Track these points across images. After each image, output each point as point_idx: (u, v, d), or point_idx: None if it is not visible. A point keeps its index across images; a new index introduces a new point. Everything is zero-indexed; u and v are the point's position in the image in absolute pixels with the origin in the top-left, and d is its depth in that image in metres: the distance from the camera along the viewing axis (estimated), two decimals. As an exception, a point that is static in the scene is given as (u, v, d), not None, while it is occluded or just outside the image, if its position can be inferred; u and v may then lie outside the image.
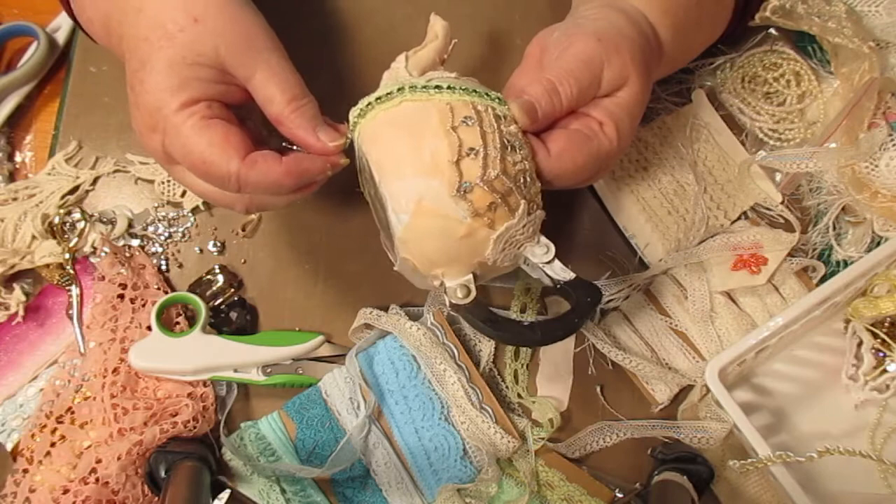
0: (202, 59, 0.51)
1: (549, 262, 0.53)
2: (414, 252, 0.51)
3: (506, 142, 0.50)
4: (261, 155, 0.51)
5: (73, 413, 0.64)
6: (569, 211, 0.69)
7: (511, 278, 0.67)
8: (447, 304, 0.53)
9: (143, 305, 0.66)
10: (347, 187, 0.71)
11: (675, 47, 0.61)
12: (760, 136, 0.69)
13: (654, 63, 0.59)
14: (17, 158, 0.73)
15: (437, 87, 0.51)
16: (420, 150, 0.49)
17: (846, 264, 0.65)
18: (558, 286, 0.54)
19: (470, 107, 0.50)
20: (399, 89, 0.51)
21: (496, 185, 0.49)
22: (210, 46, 0.51)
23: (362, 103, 0.52)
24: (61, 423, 0.64)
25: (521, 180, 0.50)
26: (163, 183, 0.70)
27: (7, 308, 0.67)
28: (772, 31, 0.71)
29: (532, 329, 0.53)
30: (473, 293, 0.52)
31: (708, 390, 0.61)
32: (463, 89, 0.51)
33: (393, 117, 0.51)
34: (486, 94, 0.52)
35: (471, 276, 0.52)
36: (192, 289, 0.68)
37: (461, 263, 0.51)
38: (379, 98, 0.52)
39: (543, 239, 0.53)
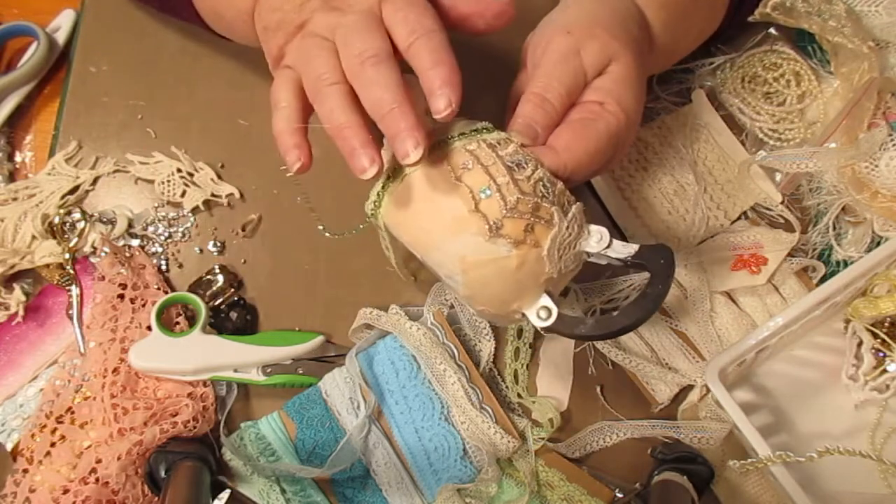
0: None
1: (607, 247, 0.52)
2: (483, 301, 0.51)
3: (509, 164, 0.50)
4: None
5: (73, 413, 0.64)
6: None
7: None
8: (537, 328, 0.52)
9: (143, 305, 0.66)
10: (348, 187, 0.71)
11: (665, 37, 0.60)
12: (760, 136, 0.69)
13: (643, 40, 0.58)
14: (17, 158, 0.73)
15: (437, 142, 0.51)
16: (439, 214, 0.49)
17: (846, 264, 0.65)
18: (628, 263, 0.53)
19: (462, 152, 0.50)
20: (398, 175, 0.51)
21: (521, 209, 0.49)
22: None
23: (372, 195, 0.53)
24: (61, 423, 0.64)
25: (541, 190, 0.50)
26: (163, 183, 0.70)
27: (7, 308, 0.67)
28: (772, 30, 0.71)
29: (624, 315, 0.52)
30: (555, 312, 0.51)
31: (708, 390, 0.61)
32: (451, 138, 0.51)
33: (402, 196, 0.51)
34: (474, 131, 0.52)
35: (545, 296, 0.51)
36: (192, 289, 0.68)
37: (530, 291, 0.51)
38: (384, 185, 0.52)
39: (593, 227, 0.52)
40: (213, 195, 0.70)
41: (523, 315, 0.52)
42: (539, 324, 0.51)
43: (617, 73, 0.55)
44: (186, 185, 0.70)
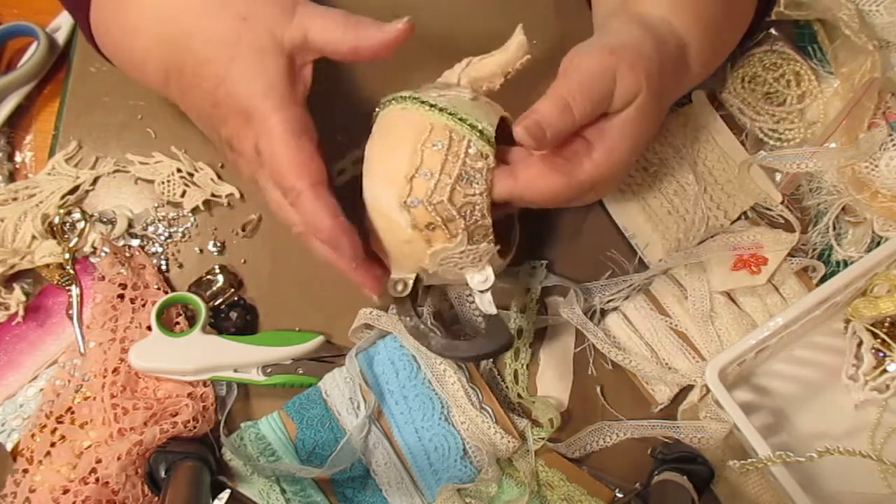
0: (270, 51, 0.53)
1: (481, 292, 0.57)
2: (373, 241, 0.57)
3: (464, 174, 0.53)
4: (327, 196, 0.53)
5: (73, 413, 0.64)
6: (569, 211, 0.69)
7: (511, 279, 0.68)
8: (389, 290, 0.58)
9: (143, 305, 0.66)
10: (347, 186, 0.71)
11: (707, 53, 0.60)
12: (760, 136, 0.69)
13: (672, 84, 0.58)
14: (17, 158, 0.73)
15: (431, 105, 0.54)
16: (389, 158, 0.54)
17: (846, 264, 0.65)
18: (479, 315, 0.60)
19: (446, 132, 0.53)
20: (405, 97, 0.55)
21: (438, 209, 0.53)
22: (268, 36, 0.53)
23: (384, 98, 0.57)
24: (61, 423, 0.64)
25: (468, 212, 0.54)
26: (163, 183, 0.70)
27: (7, 308, 0.67)
28: (772, 30, 0.71)
29: (442, 346, 0.58)
30: (408, 291, 0.57)
31: (708, 390, 0.61)
32: (452, 114, 0.54)
33: (388, 120, 0.56)
34: (473, 126, 0.54)
35: (414, 275, 0.57)
36: (192, 289, 0.68)
37: (405, 263, 0.57)
38: (394, 98, 0.56)
39: (488, 270, 0.57)
40: (213, 195, 0.70)
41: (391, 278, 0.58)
42: (390, 290, 0.58)
43: (630, 118, 0.54)
44: (186, 185, 0.70)
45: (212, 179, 0.70)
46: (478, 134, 0.54)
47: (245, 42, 0.53)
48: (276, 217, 0.58)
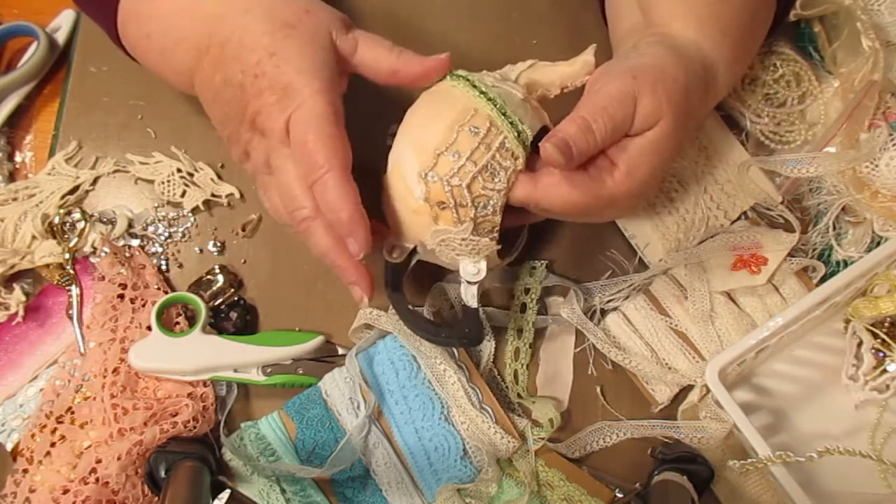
0: (324, 44, 0.56)
1: (470, 283, 0.58)
2: (386, 198, 0.57)
3: (489, 167, 0.54)
4: (352, 182, 0.54)
5: (73, 413, 0.64)
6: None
7: (510, 278, 0.68)
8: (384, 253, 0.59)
9: (143, 305, 0.66)
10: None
11: (734, 68, 0.60)
12: (761, 138, 0.69)
13: (699, 104, 0.58)
14: (17, 158, 0.73)
15: (481, 91, 0.55)
16: (425, 128, 0.55)
17: (846, 264, 0.65)
18: (459, 305, 0.61)
19: (486, 122, 0.54)
20: (460, 75, 0.57)
21: (454, 192, 0.53)
22: (325, 31, 0.56)
23: (454, 71, 0.58)
24: (61, 423, 0.64)
25: (481, 204, 0.54)
26: (163, 183, 0.70)
27: (7, 308, 0.67)
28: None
29: (415, 320, 0.61)
30: (402, 258, 0.59)
31: (708, 390, 0.61)
32: (498, 106, 0.54)
33: (436, 91, 0.57)
34: (513, 123, 0.54)
35: (412, 246, 0.58)
36: (192, 289, 0.68)
37: (407, 232, 0.57)
38: (450, 74, 0.57)
39: (483, 264, 0.57)
40: (213, 195, 0.70)
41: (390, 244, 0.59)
42: (385, 255, 0.59)
43: (650, 141, 0.55)
44: (186, 185, 0.70)
45: (212, 179, 0.70)
46: (516, 133, 0.54)
47: (304, 27, 0.55)
48: (273, 207, 0.58)
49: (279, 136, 0.54)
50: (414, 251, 0.59)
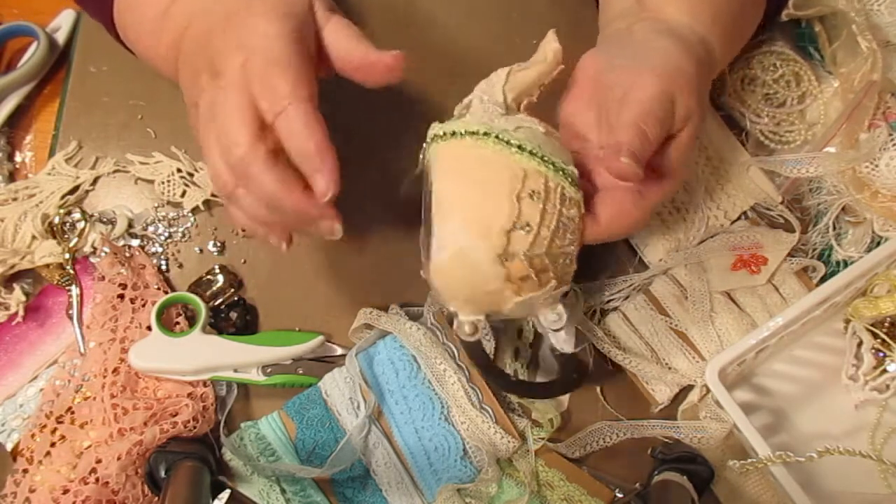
0: (302, 4, 0.53)
1: (556, 331, 0.55)
2: (439, 283, 0.53)
3: (561, 225, 0.51)
4: (318, 114, 0.50)
5: (73, 413, 0.64)
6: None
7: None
8: (456, 332, 0.55)
9: (143, 305, 0.66)
10: (347, 186, 0.71)
11: (725, 52, 0.60)
12: (761, 138, 0.69)
13: (707, 87, 0.57)
14: (17, 158, 0.73)
15: (518, 146, 0.50)
16: (480, 206, 0.50)
17: (846, 264, 0.65)
18: (553, 353, 0.58)
19: (542, 180, 0.50)
20: (486, 133, 0.51)
21: (535, 262, 0.50)
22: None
23: (448, 126, 0.52)
24: (61, 423, 0.64)
25: (560, 262, 0.52)
26: (163, 183, 0.70)
27: (7, 308, 0.67)
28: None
29: (518, 384, 0.60)
30: (479, 335, 0.54)
31: (708, 390, 0.61)
32: (542, 158, 0.51)
33: (474, 159, 0.51)
34: (562, 170, 0.51)
35: (482, 317, 0.54)
36: (192, 289, 0.68)
37: (477, 307, 0.53)
38: (462, 133, 0.51)
39: (560, 308, 0.54)
40: (213, 195, 0.70)
41: (455, 314, 0.54)
42: (460, 333, 0.54)
43: (684, 141, 0.54)
44: (186, 185, 0.70)
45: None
46: (569, 180, 0.51)
47: None
48: (214, 173, 0.52)
49: (233, 75, 0.50)
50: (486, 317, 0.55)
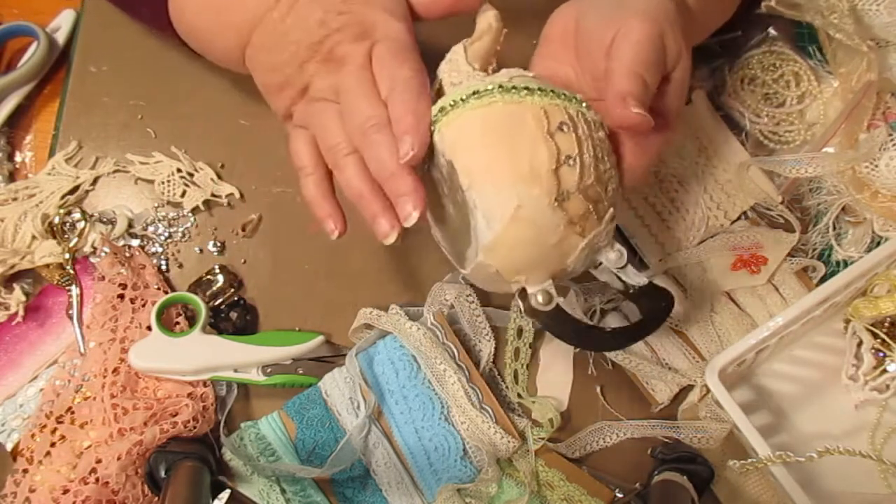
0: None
1: (622, 268, 0.53)
2: (501, 259, 0.50)
3: (597, 148, 0.49)
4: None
5: (73, 413, 0.64)
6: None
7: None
8: (522, 308, 0.52)
9: (143, 305, 0.66)
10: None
11: (700, 18, 0.59)
12: (760, 138, 0.69)
13: (690, 34, 0.56)
14: (17, 158, 0.73)
15: (526, 88, 0.49)
16: (517, 157, 0.48)
17: (846, 264, 0.65)
18: (630, 291, 0.54)
19: (563, 111, 0.49)
20: (486, 89, 0.49)
21: (590, 193, 0.49)
22: None
23: (446, 99, 0.50)
24: (61, 423, 0.64)
25: (610, 187, 0.50)
26: (163, 183, 0.70)
27: (7, 308, 0.67)
28: (771, 31, 0.71)
29: (614, 336, 0.54)
30: (556, 299, 0.51)
31: (708, 390, 0.61)
32: (552, 92, 0.50)
33: (483, 120, 0.49)
34: (574, 98, 0.50)
35: (550, 281, 0.51)
36: (192, 289, 0.68)
37: (544, 270, 0.51)
38: (464, 98, 0.49)
39: (617, 245, 0.53)
40: (213, 195, 0.70)
41: (522, 290, 0.51)
42: (536, 305, 0.51)
43: (679, 80, 0.54)
44: (186, 185, 0.70)
45: (212, 179, 0.70)
46: (584, 104, 0.50)
47: None
48: (300, 153, 0.56)
49: (360, 60, 0.53)
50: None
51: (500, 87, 0.49)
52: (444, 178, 0.52)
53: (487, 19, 0.54)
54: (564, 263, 0.50)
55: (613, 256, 0.52)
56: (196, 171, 0.70)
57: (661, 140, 0.54)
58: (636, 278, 0.54)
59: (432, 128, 0.51)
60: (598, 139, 0.50)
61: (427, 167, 0.54)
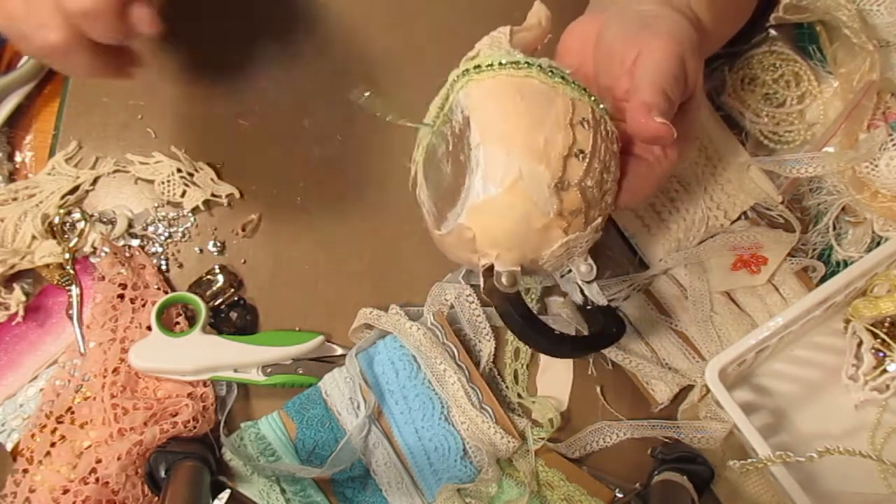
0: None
1: (588, 282, 0.54)
2: (483, 225, 0.49)
3: (608, 158, 0.50)
4: None
5: (73, 413, 0.64)
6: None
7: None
8: (482, 287, 0.52)
9: (143, 305, 0.66)
10: (347, 186, 0.71)
11: (713, 37, 0.59)
12: (760, 138, 0.69)
13: (703, 54, 0.56)
14: (18, 158, 0.73)
15: (563, 77, 0.50)
16: (537, 132, 0.48)
17: (846, 264, 0.65)
18: (588, 307, 0.55)
19: (589, 110, 0.50)
20: (527, 63, 0.49)
21: (587, 195, 0.49)
22: None
23: (483, 59, 0.50)
24: (61, 423, 0.64)
25: (605, 200, 0.51)
26: (163, 183, 0.70)
27: (7, 308, 0.67)
28: (771, 31, 0.71)
29: (561, 341, 0.54)
30: (519, 285, 0.51)
31: (708, 390, 0.61)
32: (584, 90, 0.50)
33: (519, 87, 0.49)
34: (601, 104, 0.51)
35: (519, 268, 0.51)
36: (192, 289, 0.68)
37: (519, 252, 0.50)
38: (503, 62, 0.49)
39: (590, 259, 0.53)
40: (213, 195, 0.70)
41: (489, 267, 0.51)
42: (499, 285, 0.50)
43: (696, 105, 0.54)
44: (186, 185, 0.70)
45: (212, 179, 0.70)
46: (608, 115, 0.51)
47: None
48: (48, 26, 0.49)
49: None
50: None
51: (540, 66, 0.49)
52: (453, 135, 0.52)
53: (538, 15, 0.55)
54: (539, 254, 0.50)
55: (584, 269, 0.53)
56: (196, 170, 0.70)
57: (672, 161, 0.54)
58: (598, 297, 0.54)
59: (460, 78, 0.51)
60: (611, 150, 0.51)
61: (447, 116, 0.53)
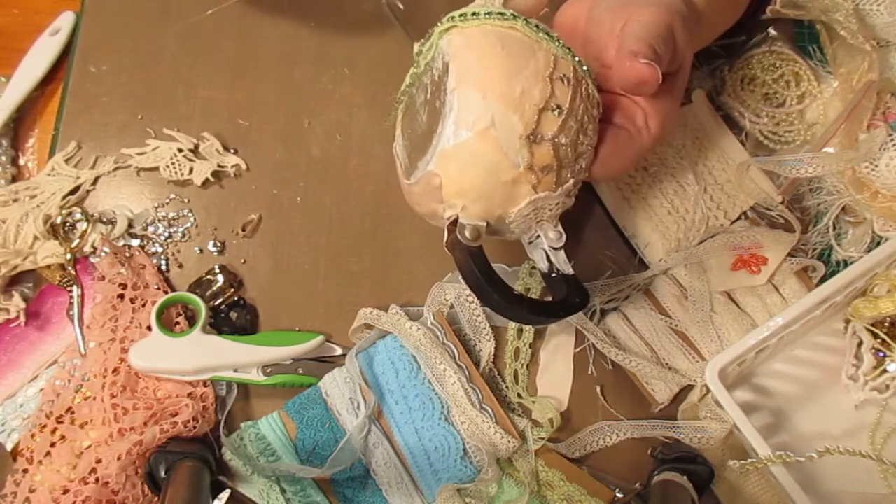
0: None
1: (556, 249, 0.53)
2: (451, 171, 0.49)
3: (586, 119, 0.49)
4: None
5: (73, 413, 0.64)
6: (569, 210, 0.69)
7: (510, 278, 0.68)
8: (444, 240, 0.51)
9: (143, 305, 0.66)
10: (347, 186, 0.71)
11: (708, 22, 0.59)
12: (760, 138, 0.69)
13: (697, 37, 0.56)
14: (21, 161, 0.73)
15: (548, 34, 0.50)
16: (514, 81, 0.47)
17: (846, 264, 0.65)
18: (553, 275, 0.53)
19: (571, 69, 0.49)
20: (514, 16, 0.49)
21: (560, 152, 0.48)
22: None
23: (468, 8, 0.50)
24: (61, 423, 0.64)
25: (579, 163, 0.50)
26: (168, 167, 0.70)
27: (7, 312, 0.67)
28: (771, 31, 0.71)
29: (518, 301, 0.51)
30: (482, 239, 0.50)
31: (708, 390, 0.60)
32: (569, 50, 0.50)
33: (502, 37, 0.49)
34: (586, 68, 0.50)
35: (485, 224, 0.50)
36: (192, 289, 0.68)
37: (485, 205, 0.50)
38: (489, 13, 0.49)
39: (560, 226, 0.52)
40: (219, 166, 0.70)
41: (454, 218, 0.50)
42: (462, 238, 0.50)
43: (677, 86, 0.53)
44: (191, 160, 0.70)
45: (217, 150, 0.70)
46: (591, 77, 0.50)
47: None
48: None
49: None
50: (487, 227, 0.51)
51: (526, 21, 0.49)
52: (432, 83, 0.51)
53: None
54: (506, 210, 0.49)
55: (553, 235, 0.52)
56: (201, 141, 0.70)
57: (648, 141, 0.53)
58: (565, 266, 0.53)
59: (443, 25, 0.50)
60: (590, 112, 0.50)
61: (427, 63, 0.53)
